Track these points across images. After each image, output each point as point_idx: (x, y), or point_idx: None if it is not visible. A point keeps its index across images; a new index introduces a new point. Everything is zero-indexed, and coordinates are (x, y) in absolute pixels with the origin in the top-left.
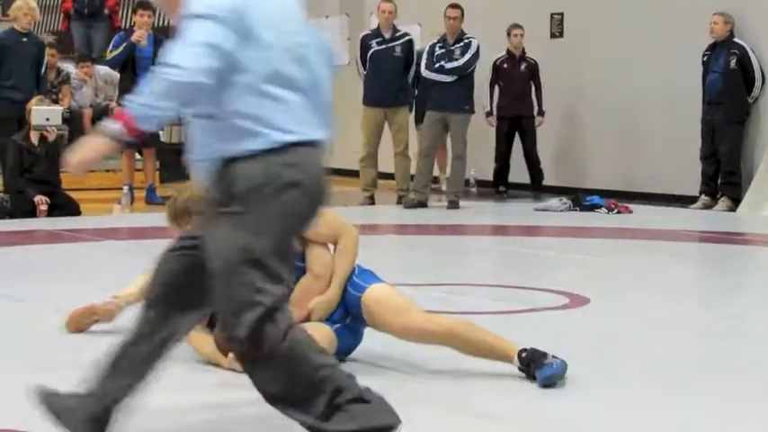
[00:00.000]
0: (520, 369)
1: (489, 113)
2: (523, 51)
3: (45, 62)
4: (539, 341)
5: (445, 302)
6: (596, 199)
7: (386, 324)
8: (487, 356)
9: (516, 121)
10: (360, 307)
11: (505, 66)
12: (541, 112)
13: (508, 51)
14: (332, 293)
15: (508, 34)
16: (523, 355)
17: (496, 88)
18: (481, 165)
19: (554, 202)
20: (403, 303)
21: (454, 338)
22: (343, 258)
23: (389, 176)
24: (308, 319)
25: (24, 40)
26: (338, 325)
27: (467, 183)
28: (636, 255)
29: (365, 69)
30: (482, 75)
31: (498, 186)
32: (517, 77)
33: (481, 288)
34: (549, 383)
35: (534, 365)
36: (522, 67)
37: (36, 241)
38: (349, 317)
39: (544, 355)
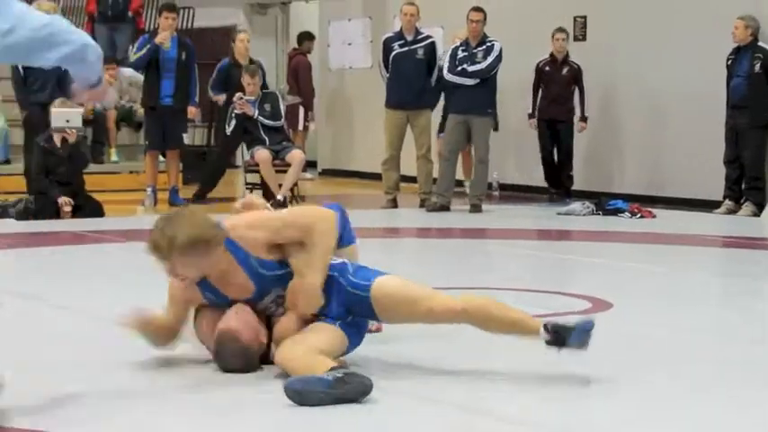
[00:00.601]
0: (547, 342)
1: (531, 115)
2: (567, 55)
3: None
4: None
5: None
6: (619, 203)
7: (406, 314)
8: (512, 331)
9: (551, 124)
10: (366, 305)
11: (548, 69)
12: (584, 118)
13: (551, 55)
14: (311, 281)
15: (552, 37)
16: (549, 326)
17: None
18: (504, 169)
19: (577, 206)
20: (417, 290)
21: (478, 314)
22: (316, 242)
23: (412, 179)
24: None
25: None
26: (338, 322)
27: (489, 186)
28: (659, 259)
29: (388, 72)
30: (515, 80)
31: (549, 189)
32: (558, 81)
33: (504, 292)
34: (584, 340)
35: (563, 333)
36: (564, 70)
37: (61, 242)
38: (350, 316)
39: (566, 323)
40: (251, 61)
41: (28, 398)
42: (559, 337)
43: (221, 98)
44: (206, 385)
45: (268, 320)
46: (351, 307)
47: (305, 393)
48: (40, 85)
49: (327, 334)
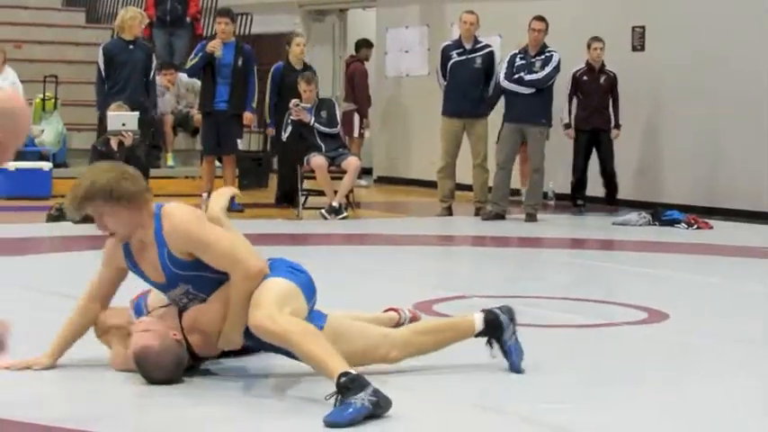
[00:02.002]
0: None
1: (568, 126)
2: (603, 64)
3: (153, 68)
4: (616, 355)
5: (522, 315)
6: (676, 214)
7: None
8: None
9: (594, 134)
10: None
11: (585, 78)
12: (618, 125)
13: (587, 64)
14: (233, 338)
15: (588, 47)
16: (342, 380)
17: (575, 101)
18: (559, 178)
19: (633, 216)
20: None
21: (421, 342)
22: (240, 291)
23: (467, 188)
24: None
25: (131, 47)
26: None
27: (545, 196)
28: (716, 271)
29: (445, 80)
30: (562, 87)
31: (576, 200)
32: (596, 90)
33: (559, 301)
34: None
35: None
36: (602, 79)
37: None
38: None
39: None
40: (305, 66)
41: (80, 399)
42: (492, 323)
43: (271, 131)
44: (255, 385)
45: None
46: None
47: (346, 425)
48: (120, 88)
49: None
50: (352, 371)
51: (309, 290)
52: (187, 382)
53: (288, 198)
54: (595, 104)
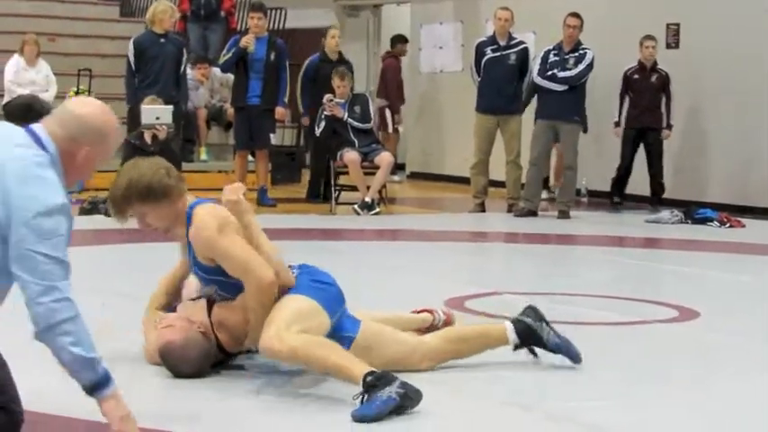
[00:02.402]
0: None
1: (617, 124)
2: (655, 62)
3: (185, 62)
4: (647, 353)
5: (554, 312)
6: (708, 212)
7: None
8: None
9: (643, 132)
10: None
11: (636, 77)
12: (669, 126)
13: (639, 62)
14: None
15: (640, 45)
16: (369, 378)
17: (626, 99)
18: (593, 175)
19: (665, 214)
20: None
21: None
22: (255, 304)
23: (500, 184)
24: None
25: (163, 41)
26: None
27: (578, 192)
28: (748, 270)
29: (479, 76)
30: (607, 88)
31: (613, 196)
32: (647, 89)
33: (590, 298)
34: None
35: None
36: (653, 78)
37: (149, 239)
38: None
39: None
40: (341, 58)
41: (150, 398)
42: (525, 332)
43: (307, 120)
44: (286, 381)
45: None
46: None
47: (374, 418)
48: (151, 81)
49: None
50: (377, 370)
51: (334, 303)
52: (216, 376)
53: (319, 193)
54: (646, 103)
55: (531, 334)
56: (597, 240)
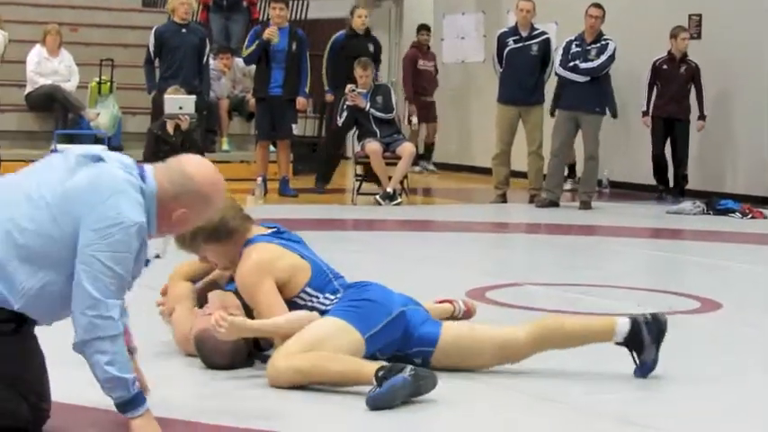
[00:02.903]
0: (620, 344)
1: (646, 113)
2: (685, 54)
3: (207, 52)
4: (669, 344)
5: (576, 303)
6: (730, 203)
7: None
8: (587, 341)
9: (669, 122)
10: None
11: (665, 67)
12: (703, 116)
13: (669, 53)
14: (252, 326)
15: (674, 37)
16: (380, 373)
17: (654, 89)
18: (614, 166)
19: (687, 205)
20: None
21: (548, 338)
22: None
23: (522, 175)
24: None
25: (184, 31)
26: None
27: (599, 183)
28: None
29: (501, 67)
30: (630, 78)
31: (660, 187)
32: (675, 79)
33: (612, 289)
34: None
35: (638, 339)
36: (682, 69)
37: None
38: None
39: (641, 340)
40: (368, 33)
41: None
42: (635, 340)
43: (330, 97)
44: None
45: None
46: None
47: (389, 400)
48: (174, 72)
49: (347, 337)
50: (387, 364)
51: (369, 319)
52: (247, 369)
53: (328, 180)
54: (673, 93)
55: (637, 343)
56: (619, 231)
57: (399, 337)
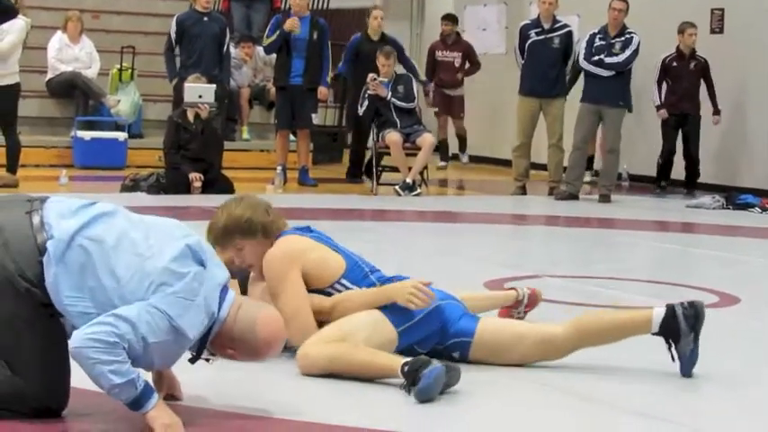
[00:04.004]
0: (656, 334)
1: (660, 107)
2: (694, 50)
3: (227, 41)
4: None
5: (594, 295)
6: (750, 198)
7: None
8: (626, 335)
9: (682, 118)
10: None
11: (675, 64)
12: (717, 111)
13: (677, 49)
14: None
15: (681, 32)
16: (406, 368)
17: (664, 85)
18: (634, 160)
19: (706, 199)
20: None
21: (586, 333)
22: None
23: (542, 167)
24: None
25: (205, 19)
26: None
27: (619, 177)
28: None
29: (523, 59)
30: (650, 72)
31: (660, 181)
32: (686, 75)
33: (630, 283)
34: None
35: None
36: (692, 65)
37: (189, 217)
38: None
39: (677, 327)
40: (383, 39)
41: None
42: (671, 328)
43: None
44: None
45: None
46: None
47: (435, 390)
48: (195, 61)
49: (383, 331)
50: (409, 358)
51: (408, 311)
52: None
53: (360, 173)
54: (684, 89)
55: (673, 333)
56: (638, 225)
57: (438, 331)
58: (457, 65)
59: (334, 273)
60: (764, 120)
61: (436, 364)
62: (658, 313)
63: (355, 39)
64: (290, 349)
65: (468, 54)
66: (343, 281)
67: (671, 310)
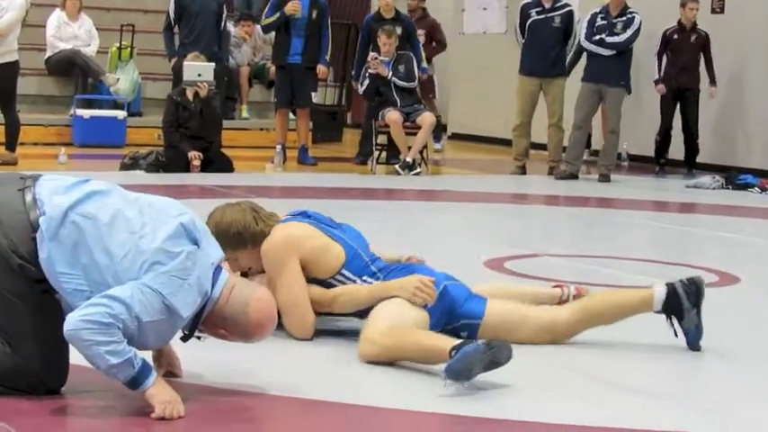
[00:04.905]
0: (659, 312)
1: (658, 81)
2: (695, 23)
3: (224, 18)
4: None
5: (593, 274)
6: (749, 178)
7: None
8: (627, 314)
9: (680, 93)
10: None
11: (676, 37)
12: (714, 82)
13: (679, 23)
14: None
15: (683, 6)
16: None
17: (664, 59)
18: (634, 139)
19: (706, 179)
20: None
21: (589, 313)
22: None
23: (542, 147)
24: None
25: None
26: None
27: (619, 156)
28: None
29: (524, 38)
30: (651, 48)
31: (659, 159)
32: (686, 49)
33: (630, 262)
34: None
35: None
36: (693, 38)
37: (188, 196)
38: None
39: (679, 304)
40: (397, 14)
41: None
42: (674, 305)
43: (355, 84)
44: None
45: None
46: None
47: (465, 368)
48: (195, 38)
49: (419, 317)
50: (459, 341)
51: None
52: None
53: (370, 153)
54: (684, 63)
55: (676, 310)
56: (637, 204)
57: (446, 312)
58: (421, 42)
59: (334, 263)
60: (762, 99)
61: (477, 344)
62: (660, 292)
63: (367, 19)
64: (282, 329)
65: (433, 33)
66: (345, 272)
67: (672, 288)
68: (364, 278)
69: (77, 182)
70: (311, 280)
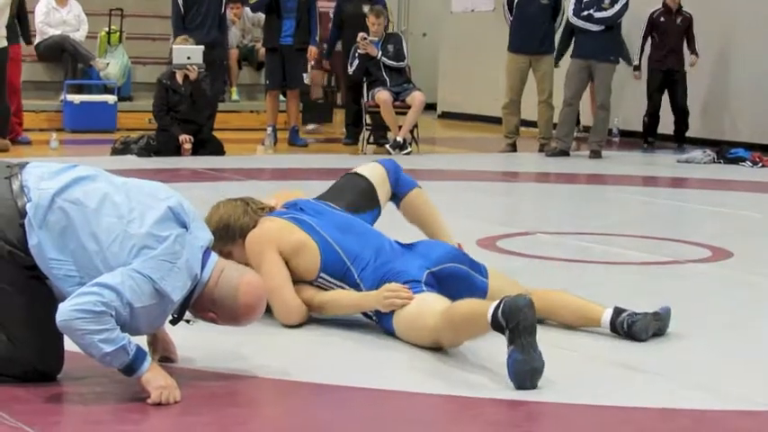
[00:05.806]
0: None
1: (637, 68)
2: (680, 5)
3: (224, 2)
4: (680, 293)
5: (587, 251)
6: (741, 152)
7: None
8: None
9: (668, 74)
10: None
11: (662, 19)
12: (695, 53)
13: (664, 5)
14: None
15: None
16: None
17: (648, 41)
18: (625, 115)
19: (697, 153)
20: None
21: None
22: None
23: (532, 124)
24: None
25: None
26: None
27: (610, 132)
28: None
29: (512, 16)
30: (636, 27)
31: (647, 138)
32: (672, 31)
33: (622, 238)
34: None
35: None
36: (678, 20)
37: (180, 179)
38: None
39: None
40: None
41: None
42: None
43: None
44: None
45: None
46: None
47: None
48: (199, 23)
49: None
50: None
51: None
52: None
53: (358, 135)
54: (671, 45)
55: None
56: (629, 180)
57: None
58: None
59: (310, 264)
60: (749, 74)
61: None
62: (607, 313)
63: (338, 3)
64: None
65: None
66: (324, 275)
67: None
68: (342, 285)
69: (64, 168)
70: (301, 281)
